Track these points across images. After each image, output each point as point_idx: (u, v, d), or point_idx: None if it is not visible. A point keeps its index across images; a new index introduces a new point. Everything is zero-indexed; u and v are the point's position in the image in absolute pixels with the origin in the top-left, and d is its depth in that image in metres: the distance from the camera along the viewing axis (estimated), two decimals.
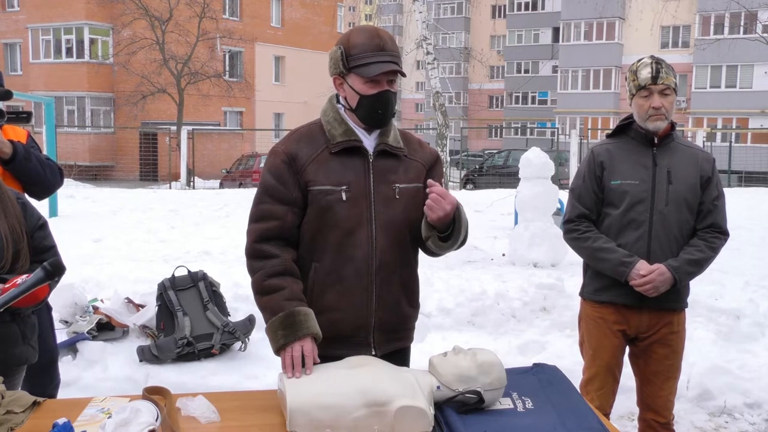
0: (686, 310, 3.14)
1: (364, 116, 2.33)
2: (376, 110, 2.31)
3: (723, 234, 3.02)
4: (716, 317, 5.55)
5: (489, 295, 5.83)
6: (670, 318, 3.04)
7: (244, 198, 11.48)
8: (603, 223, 3.06)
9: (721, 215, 3.03)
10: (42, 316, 3.00)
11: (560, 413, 2.09)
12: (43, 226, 2.59)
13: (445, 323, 5.53)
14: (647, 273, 2.89)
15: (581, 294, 3.22)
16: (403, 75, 2.32)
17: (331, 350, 2.27)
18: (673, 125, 3.03)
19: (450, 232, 2.31)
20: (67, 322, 4.88)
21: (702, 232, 3.01)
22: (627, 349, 3.18)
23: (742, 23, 29.29)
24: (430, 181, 2.25)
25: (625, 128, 3.09)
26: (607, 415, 3.13)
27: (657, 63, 2.94)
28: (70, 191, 15.46)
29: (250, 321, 4.84)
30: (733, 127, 33.85)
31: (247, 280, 2.36)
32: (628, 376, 3.22)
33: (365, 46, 2.26)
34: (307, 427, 1.97)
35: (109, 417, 1.99)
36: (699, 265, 2.97)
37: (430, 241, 2.35)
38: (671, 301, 3.00)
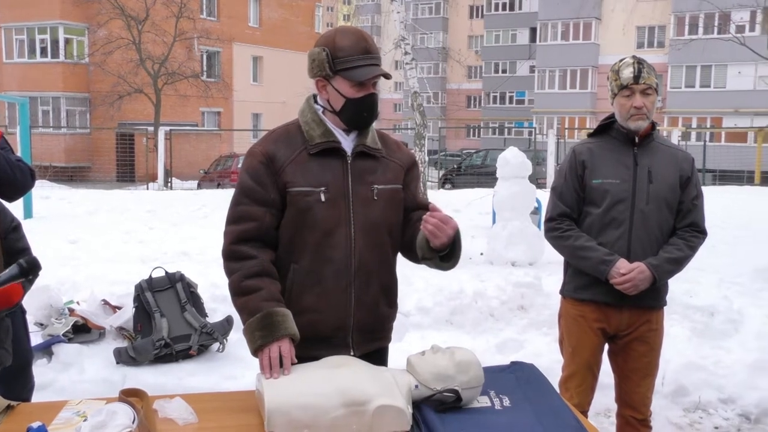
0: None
1: (350, 118, 2.33)
2: (362, 113, 2.31)
3: (702, 233, 3.06)
4: (691, 314, 5.61)
5: (467, 294, 5.85)
6: (649, 316, 3.07)
7: (223, 198, 11.41)
8: (584, 221, 3.08)
9: (700, 214, 3.06)
10: (16, 318, 2.96)
11: (537, 411, 2.10)
12: (16, 227, 2.56)
13: (423, 322, 5.54)
14: (627, 271, 2.92)
15: (561, 292, 3.24)
16: (389, 77, 2.33)
17: (310, 351, 2.26)
18: (653, 125, 3.06)
19: (450, 251, 2.31)
20: (42, 324, 4.83)
21: (681, 231, 3.04)
22: (606, 346, 3.20)
23: (716, 24, 29.63)
24: (432, 205, 2.25)
25: (607, 127, 3.11)
26: (585, 412, 3.16)
27: (639, 63, 2.97)
28: (46, 192, 15.29)
29: (228, 322, 4.82)
30: (708, 126, 34.21)
31: (224, 280, 2.35)
32: (605, 373, 3.25)
33: (352, 49, 2.26)
34: (286, 427, 1.97)
35: (85, 420, 1.97)
36: (678, 264, 3.00)
37: (431, 262, 2.36)
38: (651, 299, 3.03)
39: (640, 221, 2.98)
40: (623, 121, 3.00)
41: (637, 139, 3.02)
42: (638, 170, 3.00)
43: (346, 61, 2.26)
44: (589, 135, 3.20)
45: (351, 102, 2.29)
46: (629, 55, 3.16)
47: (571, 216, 3.10)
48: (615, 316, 3.05)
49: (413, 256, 2.44)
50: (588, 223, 3.07)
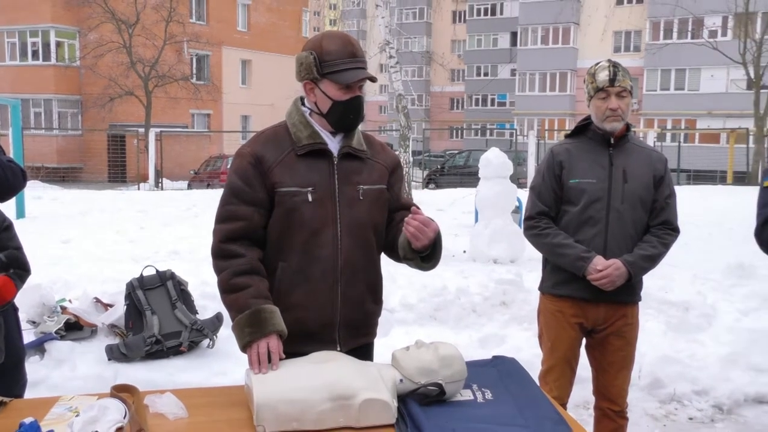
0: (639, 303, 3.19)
1: (336, 121, 2.33)
2: (349, 115, 2.32)
3: (674, 230, 3.08)
4: (666, 309, 5.65)
5: (450, 290, 5.86)
6: (625, 311, 3.09)
7: (212, 198, 11.37)
8: (562, 219, 3.10)
9: (673, 213, 3.08)
10: (8, 316, 2.94)
11: (518, 403, 2.11)
12: (8, 227, 2.54)
13: (408, 318, 5.54)
14: (604, 268, 2.93)
15: (540, 288, 3.25)
16: (374, 80, 2.33)
17: (297, 347, 2.25)
18: (628, 126, 3.08)
19: (431, 252, 2.32)
20: (34, 322, 4.79)
21: (655, 228, 3.06)
22: (584, 341, 3.22)
23: (689, 29, 29.88)
24: (414, 208, 2.25)
25: (584, 129, 3.13)
26: (564, 404, 3.17)
27: (614, 66, 2.99)
28: (38, 193, 15.17)
29: (218, 318, 4.80)
30: (682, 127, 34.47)
31: (214, 279, 2.34)
32: (583, 367, 3.27)
33: (339, 53, 2.26)
34: (274, 421, 1.97)
35: (77, 415, 1.96)
36: (652, 260, 3.02)
37: (412, 263, 2.36)
38: (626, 295, 3.05)
39: (615, 219, 3.00)
40: (599, 122, 3.02)
41: (612, 140, 3.04)
42: (613, 170, 3.02)
43: (333, 64, 2.26)
44: (567, 136, 3.22)
45: (337, 104, 2.29)
46: (606, 58, 3.18)
47: (549, 214, 3.11)
48: (592, 311, 3.07)
49: (395, 256, 2.45)
50: (566, 221, 3.08)
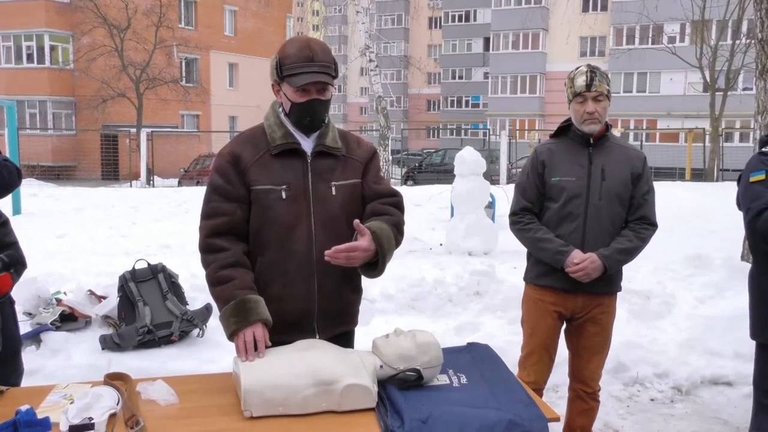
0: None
1: (295, 122, 2.32)
2: (305, 117, 2.30)
3: (652, 225, 3.10)
4: (629, 298, 5.69)
5: (428, 281, 5.87)
6: (602, 300, 3.11)
7: (202, 195, 11.28)
8: (544, 215, 3.11)
9: (650, 208, 3.10)
10: (5, 308, 2.89)
11: (492, 387, 2.12)
12: (4, 223, 2.51)
13: (387, 308, 5.54)
14: (580, 261, 2.95)
15: (524, 278, 3.27)
16: (333, 85, 2.29)
17: (278, 336, 2.24)
18: (607, 126, 3.09)
19: (375, 262, 2.28)
20: (30, 314, 4.73)
21: (633, 223, 3.07)
22: (564, 326, 3.24)
23: (650, 35, 30.11)
24: (354, 241, 2.21)
25: (566, 129, 3.14)
26: (541, 389, 3.19)
27: (592, 72, 2.99)
28: (34, 190, 14.97)
29: (207, 309, 4.77)
30: (644, 127, 34.78)
31: (203, 271, 2.33)
32: (559, 353, 3.28)
33: (295, 56, 2.24)
34: (261, 406, 1.96)
35: (72, 402, 1.94)
36: (628, 254, 3.04)
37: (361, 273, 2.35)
38: (603, 286, 3.07)
39: (593, 215, 3.02)
40: (578, 124, 3.04)
41: (592, 140, 3.06)
42: (592, 168, 3.03)
43: (289, 67, 2.24)
44: (551, 136, 3.24)
45: (294, 106, 2.29)
46: (576, 62, 3.20)
47: (532, 210, 3.13)
48: (570, 301, 3.09)
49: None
50: (547, 217, 3.10)
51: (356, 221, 2.23)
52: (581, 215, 3.02)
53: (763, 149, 2.84)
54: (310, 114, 2.29)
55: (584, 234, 3.02)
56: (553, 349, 3.20)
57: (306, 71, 2.23)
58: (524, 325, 3.27)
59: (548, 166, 3.08)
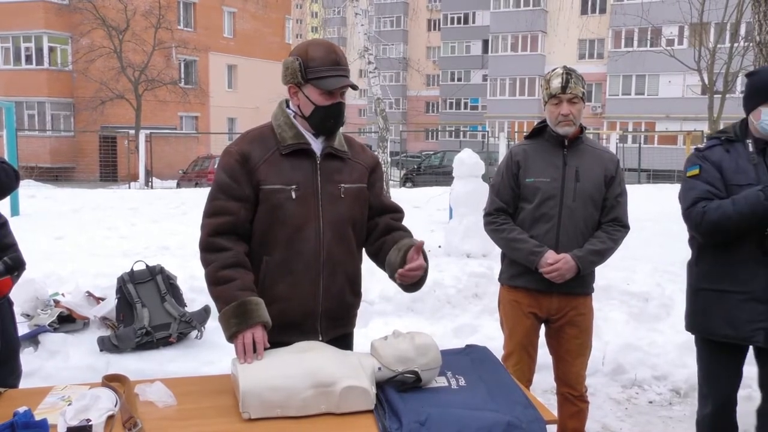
0: (600, 293, 3.21)
1: (317, 124, 2.32)
2: (329, 120, 2.31)
3: (624, 227, 3.10)
4: (628, 300, 5.70)
5: (426, 283, 5.84)
6: (576, 302, 3.11)
7: (201, 196, 11.31)
8: (518, 216, 3.12)
9: (623, 210, 3.10)
10: (3, 310, 2.89)
11: (490, 389, 2.12)
12: (3, 225, 2.51)
13: (386, 310, 5.54)
14: (554, 261, 2.96)
15: (499, 279, 3.28)
16: (355, 88, 2.33)
17: (281, 337, 2.25)
18: (582, 129, 3.10)
19: (416, 282, 2.36)
20: (29, 315, 4.73)
21: (606, 225, 3.08)
22: (544, 330, 3.24)
23: (649, 38, 30.15)
24: (411, 254, 2.28)
25: (541, 131, 3.14)
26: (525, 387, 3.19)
27: (567, 74, 2.99)
28: (32, 191, 14.95)
29: (205, 311, 4.77)
30: (642, 130, 34.81)
31: (202, 273, 2.32)
32: (548, 355, 3.28)
33: (323, 60, 2.26)
34: (259, 408, 1.96)
35: (70, 404, 1.94)
36: (601, 255, 3.04)
37: (398, 284, 2.39)
38: (577, 287, 3.07)
39: (567, 216, 3.02)
40: (553, 126, 3.04)
41: (566, 142, 3.06)
42: (567, 170, 3.04)
43: (316, 71, 2.26)
44: (525, 137, 3.24)
45: (320, 109, 2.29)
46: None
47: (507, 211, 3.14)
48: (545, 302, 3.09)
49: (380, 265, 2.47)
50: (522, 217, 3.10)
51: (420, 241, 2.30)
52: (555, 216, 3.02)
53: (698, 146, 2.90)
54: (335, 116, 2.31)
55: (558, 235, 3.02)
56: (533, 348, 3.20)
57: (335, 75, 2.26)
58: (503, 326, 3.28)
59: (523, 167, 3.08)
